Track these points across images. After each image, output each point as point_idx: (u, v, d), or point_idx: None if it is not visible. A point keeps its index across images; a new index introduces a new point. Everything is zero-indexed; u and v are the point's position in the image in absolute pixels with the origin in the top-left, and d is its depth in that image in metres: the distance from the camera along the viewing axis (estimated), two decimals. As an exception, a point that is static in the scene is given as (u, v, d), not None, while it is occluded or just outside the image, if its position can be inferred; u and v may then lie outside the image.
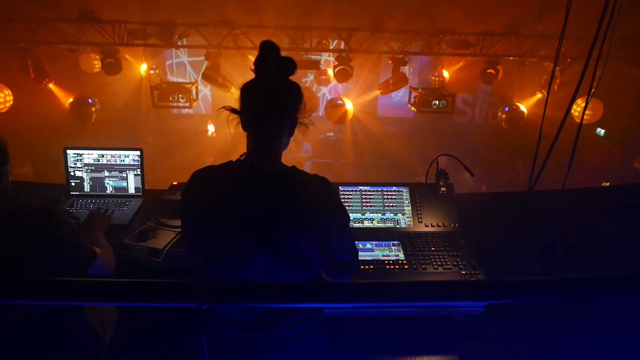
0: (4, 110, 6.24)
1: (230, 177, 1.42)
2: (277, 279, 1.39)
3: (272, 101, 1.38)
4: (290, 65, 1.38)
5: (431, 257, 2.14)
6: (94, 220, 2.11)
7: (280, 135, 1.42)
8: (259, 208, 1.35)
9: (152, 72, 7.70)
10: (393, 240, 2.26)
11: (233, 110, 1.40)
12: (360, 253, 1.98)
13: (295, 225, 1.36)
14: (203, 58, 6.79)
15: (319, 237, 1.40)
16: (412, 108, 7.41)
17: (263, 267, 1.36)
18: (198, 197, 1.42)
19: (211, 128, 9.64)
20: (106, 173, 2.64)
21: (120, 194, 2.65)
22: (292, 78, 1.42)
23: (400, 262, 2.11)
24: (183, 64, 9.46)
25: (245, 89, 1.40)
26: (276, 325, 1.44)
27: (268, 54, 1.36)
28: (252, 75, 1.40)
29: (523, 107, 7.68)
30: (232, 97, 7.80)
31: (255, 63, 1.38)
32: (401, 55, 6.76)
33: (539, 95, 7.77)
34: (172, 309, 1.65)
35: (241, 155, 1.44)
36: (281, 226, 1.36)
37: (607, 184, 6.42)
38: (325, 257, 1.46)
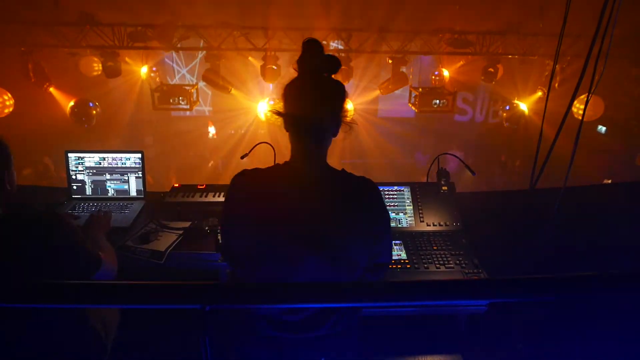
0: (4, 115, 6.25)
1: (279, 180, 1.38)
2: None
3: (317, 101, 1.33)
4: (334, 63, 1.33)
5: (433, 256, 2.14)
6: (95, 222, 2.11)
7: (327, 135, 1.38)
8: (310, 212, 1.32)
9: (151, 74, 7.70)
10: (395, 240, 2.25)
11: (278, 113, 1.36)
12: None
13: (348, 228, 1.34)
14: (202, 59, 6.79)
15: (369, 240, 1.39)
16: (413, 107, 7.40)
17: (313, 272, 1.32)
18: (245, 201, 1.38)
19: (212, 130, 9.64)
20: (107, 176, 2.64)
21: (122, 197, 2.65)
22: None
23: (402, 261, 2.11)
24: (183, 76, 9.43)
25: (290, 89, 1.35)
26: (318, 325, 1.41)
27: (312, 52, 1.32)
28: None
29: (524, 106, 7.68)
30: (233, 98, 7.83)
31: (298, 62, 1.34)
32: (401, 55, 6.76)
33: (539, 93, 7.76)
34: (175, 311, 1.65)
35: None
36: (334, 230, 1.33)
37: (609, 181, 6.42)
38: (368, 259, 1.44)
